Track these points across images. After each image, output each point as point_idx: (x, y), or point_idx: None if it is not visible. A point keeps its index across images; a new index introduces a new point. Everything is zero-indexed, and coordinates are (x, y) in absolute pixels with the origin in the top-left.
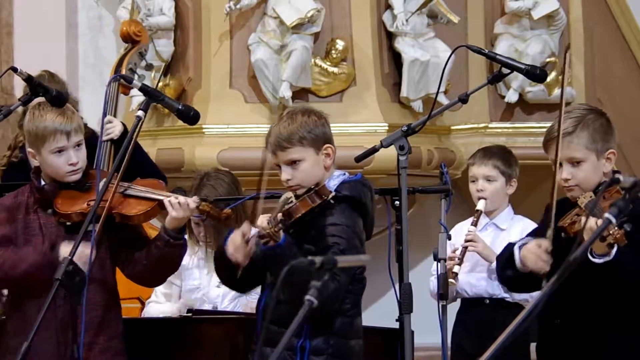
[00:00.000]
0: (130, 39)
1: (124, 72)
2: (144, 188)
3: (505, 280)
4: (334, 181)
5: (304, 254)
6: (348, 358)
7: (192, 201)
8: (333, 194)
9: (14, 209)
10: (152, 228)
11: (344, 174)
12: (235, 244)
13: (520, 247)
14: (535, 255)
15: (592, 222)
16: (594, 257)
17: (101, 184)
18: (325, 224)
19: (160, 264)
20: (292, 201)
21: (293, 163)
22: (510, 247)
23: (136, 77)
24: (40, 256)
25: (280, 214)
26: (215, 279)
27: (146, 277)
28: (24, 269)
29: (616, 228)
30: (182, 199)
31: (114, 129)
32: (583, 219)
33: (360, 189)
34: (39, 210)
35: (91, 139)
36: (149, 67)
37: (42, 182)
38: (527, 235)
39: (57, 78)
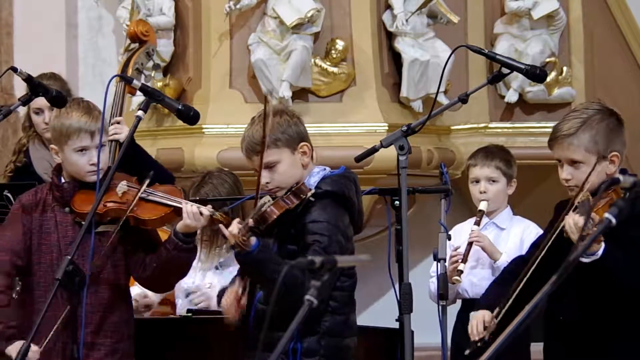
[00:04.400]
0: (138, 39)
1: (130, 72)
2: (161, 194)
3: None
4: (314, 178)
5: (287, 254)
6: (342, 357)
7: (206, 210)
8: (312, 191)
9: (32, 206)
10: (164, 231)
11: (325, 169)
12: (228, 302)
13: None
14: (474, 323)
15: (571, 219)
16: (582, 256)
17: (122, 184)
18: (306, 222)
19: (170, 267)
20: (266, 204)
21: (270, 166)
22: (511, 264)
23: (143, 77)
24: None
25: (251, 220)
26: (209, 279)
27: (155, 280)
28: None
29: (594, 228)
30: (195, 207)
31: (122, 132)
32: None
33: (343, 183)
34: (56, 208)
35: None
36: (156, 67)
37: (62, 180)
38: (533, 243)
39: (58, 77)
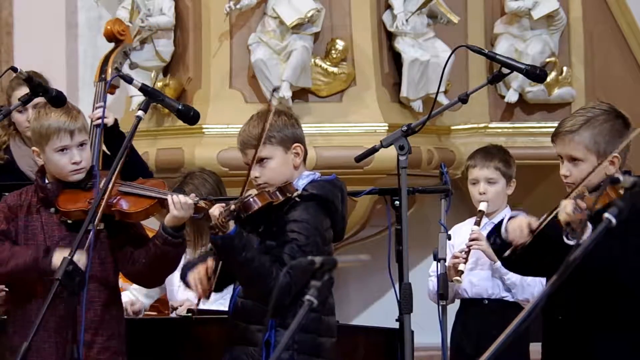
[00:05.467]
0: (115, 38)
1: (109, 71)
2: (144, 186)
3: (494, 248)
4: (303, 180)
5: (265, 250)
6: (316, 354)
7: (190, 199)
8: (299, 191)
9: (17, 207)
10: (150, 230)
11: (314, 174)
12: (195, 278)
13: (510, 218)
14: (518, 226)
15: (565, 203)
16: (568, 239)
17: (105, 181)
18: (287, 220)
19: (159, 262)
20: (251, 194)
21: (261, 161)
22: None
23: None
24: (31, 259)
25: (234, 205)
26: None
27: (144, 276)
28: (11, 268)
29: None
30: (182, 197)
31: (107, 116)
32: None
33: (330, 189)
34: (41, 209)
35: None
36: (134, 66)
37: (46, 181)
38: None
39: (38, 75)
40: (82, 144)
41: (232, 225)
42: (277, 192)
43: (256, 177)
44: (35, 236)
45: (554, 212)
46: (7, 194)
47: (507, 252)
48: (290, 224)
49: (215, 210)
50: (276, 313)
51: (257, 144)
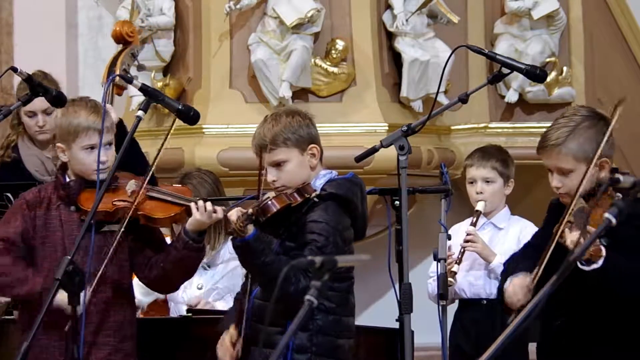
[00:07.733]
0: (123, 40)
1: (117, 72)
2: (171, 192)
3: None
4: (320, 180)
5: (284, 251)
6: (334, 357)
7: (220, 210)
8: (317, 192)
9: (36, 204)
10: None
11: (332, 172)
12: (223, 349)
13: (512, 277)
14: (519, 288)
15: (574, 236)
16: (582, 264)
17: (130, 183)
18: (306, 222)
19: (178, 267)
20: (268, 197)
21: (278, 164)
22: (509, 261)
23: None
24: (40, 288)
25: (252, 210)
26: (196, 281)
27: (161, 280)
28: (26, 292)
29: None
30: (209, 205)
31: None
32: (568, 231)
33: (348, 187)
34: (61, 206)
35: None
36: (141, 67)
37: (67, 179)
38: (528, 242)
39: (49, 77)
40: (108, 144)
41: (251, 228)
42: (295, 194)
43: (273, 181)
44: (53, 234)
45: (552, 245)
46: (8, 194)
47: (512, 317)
48: (310, 225)
49: (233, 214)
50: (293, 315)
51: (272, 147)
